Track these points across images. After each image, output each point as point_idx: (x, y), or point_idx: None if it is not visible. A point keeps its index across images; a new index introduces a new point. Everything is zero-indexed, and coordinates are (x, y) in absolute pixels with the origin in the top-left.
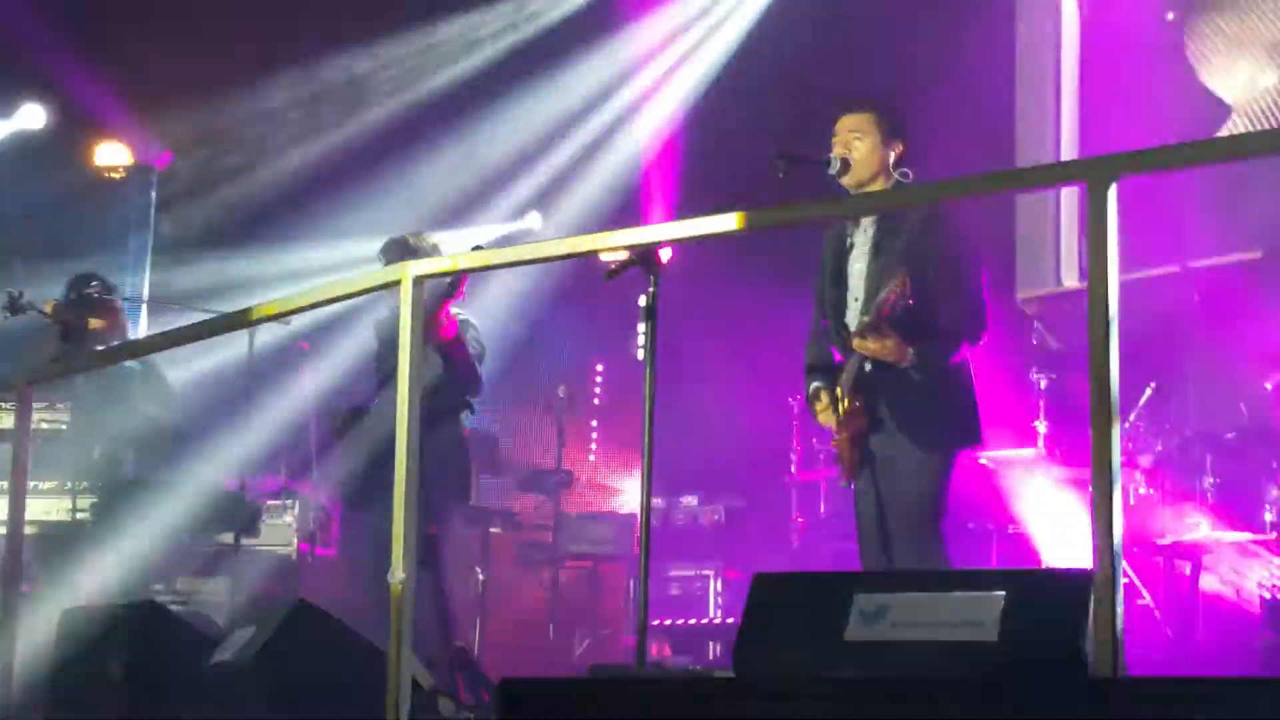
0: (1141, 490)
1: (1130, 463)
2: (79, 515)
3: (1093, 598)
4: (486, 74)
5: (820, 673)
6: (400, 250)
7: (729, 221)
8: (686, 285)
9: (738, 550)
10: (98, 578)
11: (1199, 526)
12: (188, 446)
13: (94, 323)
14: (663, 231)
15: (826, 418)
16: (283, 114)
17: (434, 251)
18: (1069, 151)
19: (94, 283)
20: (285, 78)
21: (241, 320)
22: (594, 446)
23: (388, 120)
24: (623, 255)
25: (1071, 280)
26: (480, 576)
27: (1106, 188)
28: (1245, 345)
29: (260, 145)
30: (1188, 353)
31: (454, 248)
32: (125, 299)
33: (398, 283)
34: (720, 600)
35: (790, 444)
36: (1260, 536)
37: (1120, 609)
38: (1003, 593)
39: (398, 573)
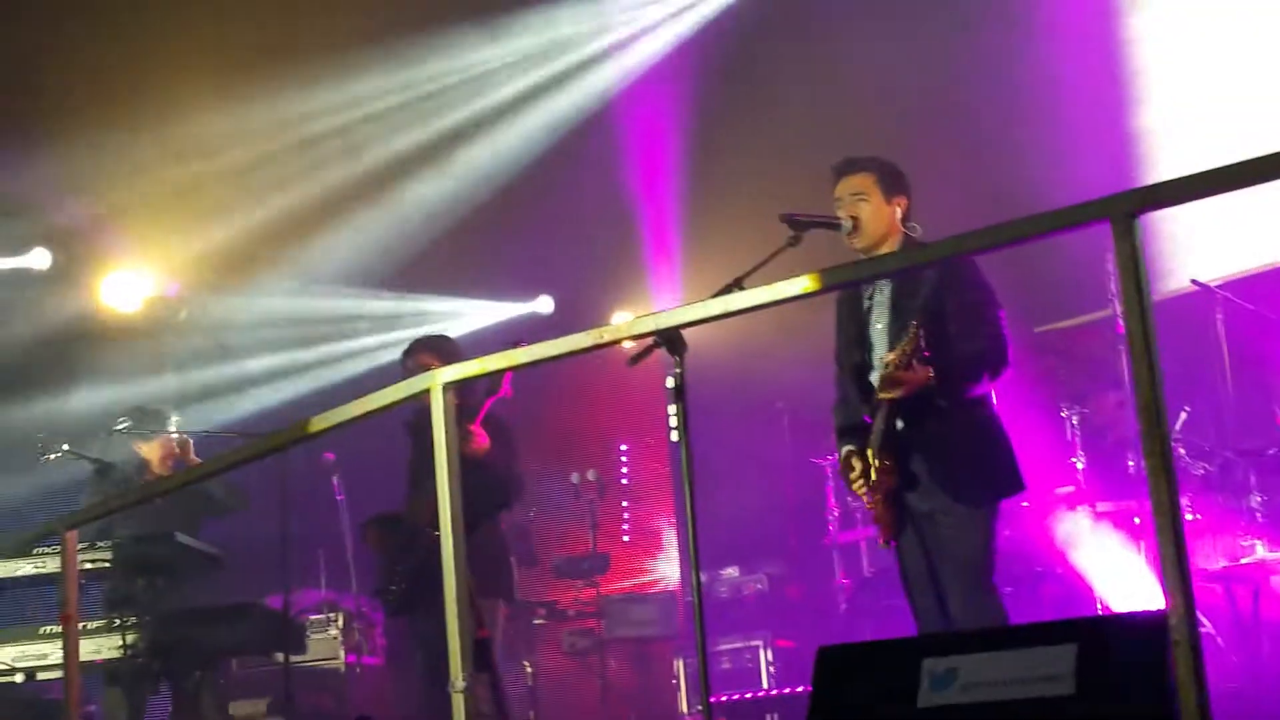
0: (1189, 517)
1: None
2: (129, 650)
3: (1170, 640)
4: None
5: None
6: (423, 351)
7: (799, 285)
8: (704, 356)
9: (785, 618)
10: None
11: (1254, 549)
12: (225, 568)
13: (145, 454)
14: (701, 309)
15: (858, 487)
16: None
17: (457, 351)
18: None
19: (122, 420)
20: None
21: (297, 434)
22: (627, 526)
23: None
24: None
25: (1092, 311)
26: (529, 670)
27: (1130, 223)
28: (1275, 357)
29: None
30: (1218, 372)
31: (458, 326)
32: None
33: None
34: (772, 670)
35: (826, 506)
36: None
37: (1199, 649)
38: (1074, 644)
39: (458, 682)
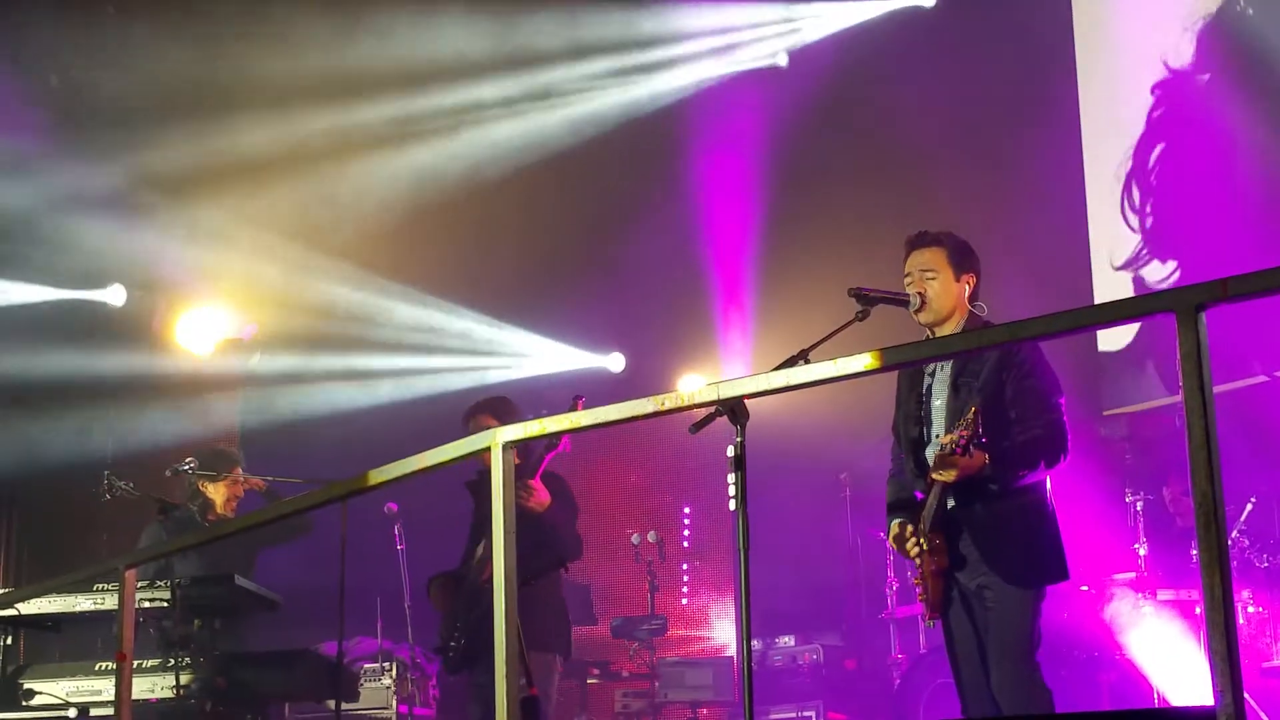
0: (1250, 609)
1: (1237, 580)
2: (182, 691)
3: None
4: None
5: None
6: (483, 414)
7: (861, 362)
8: (768, 424)
9: (839, 690)
10: None
11: None
12: (281, 613)
13: (211, 494)
14: (764, 381)
15: (914, 552)
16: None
17: (516, 414)
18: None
19: (189, 460)
20: None
21: (356, 486)
22: (685, 590)
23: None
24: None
25: (1156, 397)
26: None
27: (1196, 316)
28: None
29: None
30: None
31: (527, 366)
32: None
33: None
34: None
35: (885, 579)
36: None
37: None
38: None
39: None
